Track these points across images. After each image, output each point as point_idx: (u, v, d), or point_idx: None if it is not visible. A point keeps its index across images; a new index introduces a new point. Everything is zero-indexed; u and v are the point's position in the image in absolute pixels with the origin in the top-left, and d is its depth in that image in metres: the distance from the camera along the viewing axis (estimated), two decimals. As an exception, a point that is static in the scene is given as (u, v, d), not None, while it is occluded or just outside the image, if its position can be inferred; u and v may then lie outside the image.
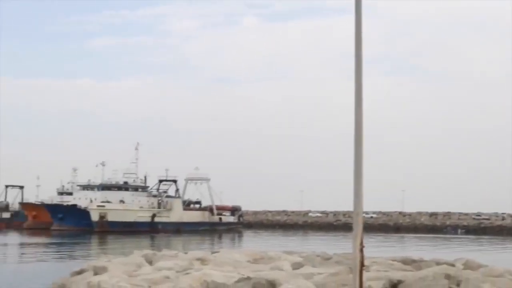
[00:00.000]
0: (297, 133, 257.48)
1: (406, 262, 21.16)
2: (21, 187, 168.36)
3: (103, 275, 17.38)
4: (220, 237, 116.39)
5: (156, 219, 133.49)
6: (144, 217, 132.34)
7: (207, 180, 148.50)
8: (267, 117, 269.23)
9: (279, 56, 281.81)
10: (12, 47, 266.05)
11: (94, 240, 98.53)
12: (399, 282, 14.55)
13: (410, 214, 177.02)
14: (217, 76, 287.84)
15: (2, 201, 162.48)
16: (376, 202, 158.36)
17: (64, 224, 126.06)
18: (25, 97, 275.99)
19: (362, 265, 8.69)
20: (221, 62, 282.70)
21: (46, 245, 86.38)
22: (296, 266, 20.83)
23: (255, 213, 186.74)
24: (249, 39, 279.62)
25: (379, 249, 65.03)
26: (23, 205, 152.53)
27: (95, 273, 18.80)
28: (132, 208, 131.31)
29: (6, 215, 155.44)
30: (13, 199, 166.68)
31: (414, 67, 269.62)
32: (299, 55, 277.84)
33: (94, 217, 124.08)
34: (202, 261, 22.61)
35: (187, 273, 18.80)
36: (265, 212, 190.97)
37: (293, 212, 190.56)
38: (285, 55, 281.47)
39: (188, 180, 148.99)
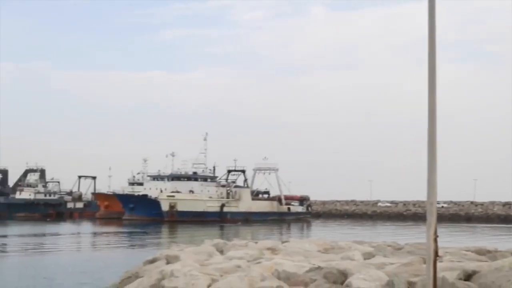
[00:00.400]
0: (366, 121, 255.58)
1: (481, 252, 20.68)
2: (94, 178, 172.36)
3: (176, 264, 17.56)
4: (288, 227, 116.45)
5: (225, 209, 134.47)
6: (213, 207, 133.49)
7: (276, 170, 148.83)
8: (337, 106, 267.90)
9: (347, 44, 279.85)
10: (83, 40, 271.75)
11: (164, 230, 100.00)
12: (474, 272, 14.21)
13: (482, 204, 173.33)
14: (285, 65, 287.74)
15: (75, 192, 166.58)
16: (447, 192, 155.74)
17: (135, 214, 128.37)
18: (97, 90, 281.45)
19: (436, 255, 8.49)
20: (289, 52, 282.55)
21: (118, 234, 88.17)
22: (367, 256, 20.62)
23: (324, 203, 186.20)
24: (317, 28, 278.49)
25: (452, 239, 63.95)
26: (96, 195, 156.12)
27: (168, 262, 19.03)
28: (201, 198, 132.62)
29: (79, 205, 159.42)
30: (86, 190, 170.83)
31: (485, 53, 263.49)
32: (367, 42, 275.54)
33: (164, 207, 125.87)
34: (273, 250, 22.62)
35: (258, 262, 18.83)
36: (333, 202, 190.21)
37: (362, 202, 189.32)
38: (353, 43, 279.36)
39: (256, 170, 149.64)
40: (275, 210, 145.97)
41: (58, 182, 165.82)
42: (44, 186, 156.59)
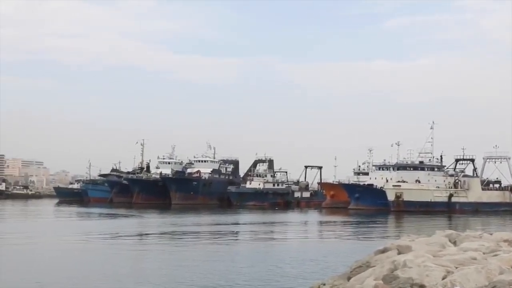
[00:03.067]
0: None
1: None
2: (320, 168, 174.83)
3: (408, 254, 16.92)
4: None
5: (453, 199, 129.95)
6: (441, 197, 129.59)
7: (508, 158, 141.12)
8: None
9: None
10: (309, 32, 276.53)
11: (391, 220, 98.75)
12: None
13: None
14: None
15: (302, 181, 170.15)
16: None
17: (361, 203, 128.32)
18: (319, 81, 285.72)
19: None
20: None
21: (344, 223, 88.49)
22: None
23: None
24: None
25: None
26: (322, 185, 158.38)
27: (399, 252, 18.41)
28: (428, 188, 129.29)
29: (306, 194, 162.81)
30: (312, 179, 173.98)
31: None
32: None
33: (390, 196, 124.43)
34: (510, 242, 21.13)
35: (495, 255, 17.61)
36: None
37: None
38: None
39: (486, 158, 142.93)
40: (508, 200, 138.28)
41: (286, 172, 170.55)
42: (273, 176, 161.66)
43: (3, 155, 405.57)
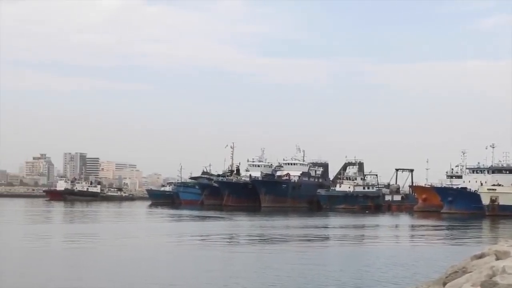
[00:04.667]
0: None
1: None
2: (411, 171, 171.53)
3: (507, 260, 16.10)
4: None
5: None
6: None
7: None
8: None
9: None
10: (400, 34, 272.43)
11: (485, 224, 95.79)
12: None
13: None
14: None
15: (393, 184, 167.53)
16: None
17: (454, 207, 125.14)
18: (412, 81, 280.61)
19: None
20: None
21: (437, 228, 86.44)
22: None
23: None
24: None
25: None
26: (413, 188, 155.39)
27: (497, 258, 17.57)
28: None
29: (397, 197, 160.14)
30: (403, 182, 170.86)
31: None
32: None
33: (485, 200, 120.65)
34: None
35: None
36: None
37: None
38: None
39: None
40: None
41: (376, 175, 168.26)
42: (363, 179, 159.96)
43: (98, 158, 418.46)
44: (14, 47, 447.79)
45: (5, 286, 28.09)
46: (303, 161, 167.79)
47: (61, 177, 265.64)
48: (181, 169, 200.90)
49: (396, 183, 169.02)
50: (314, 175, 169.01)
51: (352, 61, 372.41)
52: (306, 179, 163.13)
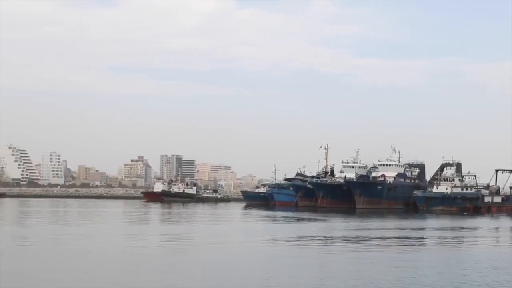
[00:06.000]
0: None
1: None
2: (511, 171, 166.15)
3: None
4: None
5: None
6: None
7: None
8: None
9: None
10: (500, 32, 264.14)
11: None
12: None
13: None
14: None
15: (492, 185, 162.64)
16: None
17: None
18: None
19: None
20: None
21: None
22: None
23: None
24: None
25: None
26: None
27: None
28: None
29: (497, 199, 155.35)
30: (504, 183, 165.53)
31: None
32: None
33: None
34: None
35: None
36: None
37: None
38: None
39: None
40: None
41: (475, 176, 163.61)
42: (461, 180, 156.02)
43: (193, 160, 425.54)
44: (111, 53, 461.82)
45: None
46: (399, 162, 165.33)
47: (158, 179, 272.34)
48: (275, 170, 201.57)
49: (496, 184, 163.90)
50: (410, 176, 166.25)
51: (448, 61, 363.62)
52: (402, 180, 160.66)
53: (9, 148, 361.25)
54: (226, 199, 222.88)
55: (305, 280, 30.82)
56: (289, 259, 40.13)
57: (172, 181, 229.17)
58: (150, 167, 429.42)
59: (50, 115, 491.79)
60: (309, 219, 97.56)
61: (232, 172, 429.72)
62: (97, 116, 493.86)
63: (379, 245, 53.73)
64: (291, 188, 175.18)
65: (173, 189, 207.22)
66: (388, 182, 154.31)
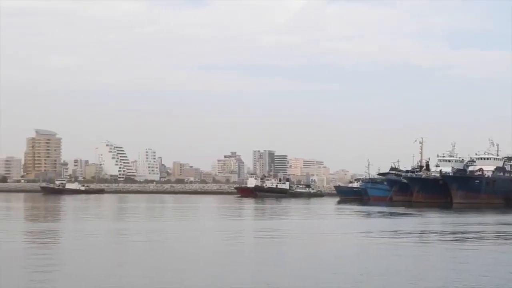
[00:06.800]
0: None
1: None
2: None
3: None
4: None
5: None
6: None
7: None
8: None
9: None
10: None
11: None
12: None
13: None
14: None
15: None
16: None
17: None
18: None
19: None
20: None
21: None
22: None
23: None
24: None
25: None
26: None
27: None
28: None
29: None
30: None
31: None
32: None
33: None
34: None
35: None
36: None
37: None
38: None
39: None
40: None
41: None
42: None
43: (286, 155, 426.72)
44: (200, 52, 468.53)
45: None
46: (497, 155, 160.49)
47: (251, 174, 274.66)
48: (368, 165, 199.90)
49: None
50: (509, 169, 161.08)
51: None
52: (501, 174, 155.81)
53: (107, 145, 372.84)
54: (319, 194, 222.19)
55: (399, 277, 30.16)
56: (381, 255, 39.45)
57: (265, 176, 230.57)
58: (243, 162, 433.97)
59: (141, 112, 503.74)
60: (404, 214, 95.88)
61: (324, 167, 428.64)
62: (186, 114, 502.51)
63: (479, 241, 52.09)
64: (385, 183, 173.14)
65: (266, 185, 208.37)
66: (486, 176, 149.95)
